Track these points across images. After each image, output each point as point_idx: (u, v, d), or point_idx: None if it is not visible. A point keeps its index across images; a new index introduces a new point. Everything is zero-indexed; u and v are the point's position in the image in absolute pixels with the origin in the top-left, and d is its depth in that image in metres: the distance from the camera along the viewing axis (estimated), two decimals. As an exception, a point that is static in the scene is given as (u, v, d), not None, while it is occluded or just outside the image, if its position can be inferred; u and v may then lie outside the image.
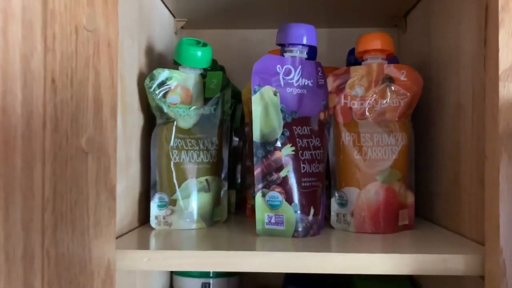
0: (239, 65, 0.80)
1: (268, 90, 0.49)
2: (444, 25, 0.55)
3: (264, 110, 0.49)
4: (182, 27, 0.77)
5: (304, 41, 0.50)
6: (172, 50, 0.70)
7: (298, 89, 0.51)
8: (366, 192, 0.52)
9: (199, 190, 0.54)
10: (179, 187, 0.53)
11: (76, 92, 0.33)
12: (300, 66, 0.51)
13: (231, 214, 0.65)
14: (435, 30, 0.59)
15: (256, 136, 0.49)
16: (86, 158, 0.34)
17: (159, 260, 0.41)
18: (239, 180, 0.70)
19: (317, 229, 0.50)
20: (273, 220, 0.49)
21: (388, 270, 0.40)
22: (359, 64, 0.56)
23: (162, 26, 0.67)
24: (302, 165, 0.49)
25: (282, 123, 0.49)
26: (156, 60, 0.62)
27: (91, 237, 0.35)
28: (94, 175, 0.35)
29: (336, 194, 0.54)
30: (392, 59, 0.59)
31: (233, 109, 0.67)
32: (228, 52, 0.81)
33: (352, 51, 0.64)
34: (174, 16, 0.75)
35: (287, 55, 0.51)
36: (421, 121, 0.62)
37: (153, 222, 0.53)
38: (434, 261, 0.41)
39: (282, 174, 0.49)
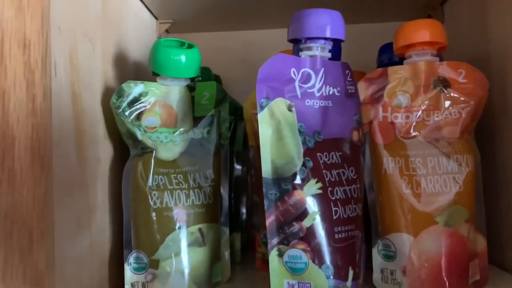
0: (239, 75, 0.65)
1: (280, 104, 0.35)
2: (506, 6, 0.41)
3: (275, 133, 0.35)
4: (167, 31, 0.63)
5: (328, 33, 0.35)
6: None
7: (321, 101, 0.36)
8: (423, 240, 0.37)
9: (191, 245, 0.39)
10: (162, 242, 0.39)
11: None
12: (323, 69, 0.36)
13: (236, 265, 0.50)
14: (491, 15, 0.45)
15: (267, 170, 0.35)
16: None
17: None
18: (244, 217, 0.55)
19: (359, 298, 0.35)
20: (295, 290, 0.34)
21: None
22: (396, 64, 0.41)
23: (138, 29, 0.53)
24: (333, 209, 0.34)
25: (302, 150, 0.35)
26: (132, 71, 0.48)
27: None
28: (0, 263, 0.20)
29: (380, 243, 0.39)
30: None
31: (233, 129, 0.53)
32: (225, 59, 0.67)
33: (384, 49, 0.50)
34: (156, 18, 0.61)
35: (304, 54, 0.36)
36: (483, 137, 0.47)
37: (128, 292, 0.39)
38: None
39: (306, 223, 0.34)
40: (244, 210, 0.55)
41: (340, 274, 0.34)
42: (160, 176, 0.40)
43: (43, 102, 0.23)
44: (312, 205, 0.34)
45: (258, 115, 0.34)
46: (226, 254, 0.43)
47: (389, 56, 0.47)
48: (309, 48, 0.36)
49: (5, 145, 0.21)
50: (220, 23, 0.64)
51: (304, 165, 0.35)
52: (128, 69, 0.47)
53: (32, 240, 0.22)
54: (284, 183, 0.34)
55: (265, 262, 0.48)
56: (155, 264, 0.39)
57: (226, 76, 0.64)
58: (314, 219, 0.34)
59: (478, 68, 0.40)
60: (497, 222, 0.45)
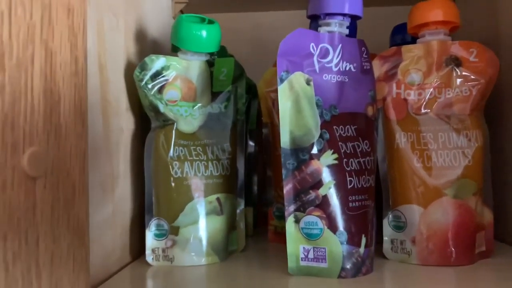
0: (252, 55, 0.67)
1: (299, 78, 0.36)
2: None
3: (294, 105, 0.36)
4: (181, 11, 0.64)
5: (346, 9, 0.37)
6: (170, 38, 0.58)
7: (338, 76, 0.38)
8: (432, 211, 0.39)
9: (209, 213, 0.41)
10: (182, 210, 0.40)
11: (10, 80, 0.20)
12: (341, 45, 0.38)
13: (248, 237, 0.52)
14: (504, -2, 0.46)
15: (285, 140, 0.36)
16: (33, 185, 0.21)
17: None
18: (255, 193, 0.57)
19: (370, 264, 0.37)
20: (311, 255, 0.36)
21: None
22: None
23: (156, 9, 0.54)
24: (348, 179, 0.36)
25: (319, 122, 0.36)
26: (150, 48, 0.50)
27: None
28: (47, 211, 0.22)
29: (390, 214, 0.41)
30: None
31: (247, 107, 0.54)
32: (239, 40, 0.68)
33: (397, 30, 0.51)
34: (171, -2, 0.62)
35: (323, 29, 0.38)
36: (490, 116, 0.48)
37: (149, 256, 0.40)
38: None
39: (322, 191, 0.36)
40: (255, 188, 0.57)
41: (353, 240, 0.35)
42: (180, 148, 0.41)
43: (84, 63, 0.24)
44: (328, 174, 0.36)
45: (278, 87, 0.36)
46: (242, 224, 0.45)
47: (402, 37, 0.49)
48: (328, 24, 0.37)
49: (52, 101, 0.23)
50: (232, 4, 0.66)
51: (321, 136, 0.36)
52: (147, 46, 0.48)
53: (74, 192, 0.24)
54: (302, 153, 0.36)
55: (277, 234, 0.50)
56: (175, 230, 0.40)
57: (238, 56, 0.65)
58: (329, 187, 0.36)
59: (490, 48, 0.41)
60: (503, 198, 0.46)
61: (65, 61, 0.23)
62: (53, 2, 0.22)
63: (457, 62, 0.40)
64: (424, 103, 0.41)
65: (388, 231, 0.41)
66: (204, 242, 0.41)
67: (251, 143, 0.55)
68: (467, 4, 0.56)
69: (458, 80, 0.40)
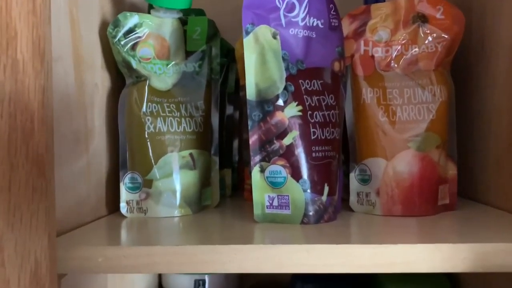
0: (233, 22, 0.67)
1: (264, 31, 0.37)
2: None
3: (260, 58, 0.37)
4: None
5: (312, -36, 0.38)
6: None
7: (305, 31, 0.39)
8: (396, 163, 0.40)
9: (182, 167, 0.43)
10: (155, 163, 0.42)
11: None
12: (307, 0, 0.39)
13: (226, 198, 0.53)
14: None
15: (251, 92, 0.37)
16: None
17: (119, 260, 0.30)
18: (236, 158, 0.58)
19: (333, 212, 0.38)
20: (275, 202, 0.37)
21: (437, 267, 0.29)
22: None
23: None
24: (312, 130, 0.37)
25: (284, 75, 0.37)
26: (128, 7, 0.50)
27: (1, 228, 0.23)
28: (4, 139, 0.23)
29: (357, 168, 0.42)
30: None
31: (226, 71, 0.55)
32: (220, 6, 0.69)
33: (370, -9, 0.51)
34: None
35: (289, -16, 0.38)
36: (460, 73, 0.49)
37: (123, 208, 0.42)
38: (498, 252, 0.29)
39: (286, 141, 0.37)
40: (236, 152, 0.58)
41: (316, 188, 0.37)
42: (153, 104, 0.42)
43: (42, 3, 0.25)
44: (292, 125, 0.37)
45: (244, 40, 0.37)
46: (216, 181, 0.47)
47: (376, -2, 0.49)
48: (294, -21, 0.38)
49: (8, 36, 0.24)
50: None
51: (286, 88, 0.37)
52: (124, 7, 0.49)
53: (33, 124, 0.25)
54: (267, 104, 0.37)
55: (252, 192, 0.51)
56: (148, 183, 0.42)
57: (219, 23, 0.66)
58: (293, 138, 0.37)
59: (458, 6, 0.42)
60: (470, 153, 0.48)
61: (21, -2, 0.24)
62: None
63: (423, 19, 0.41)
64: (391, 60, 0.41)
65: (354, 185, 0.42)
66: (177, 194, 0.42)
67: (230, 106, 0.56)
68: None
69: (424, 37, 0.41)
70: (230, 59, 0.55)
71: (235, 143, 0.58)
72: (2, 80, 0.23)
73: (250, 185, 0.51)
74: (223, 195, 0.53)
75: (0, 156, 0.23)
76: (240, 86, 0.53)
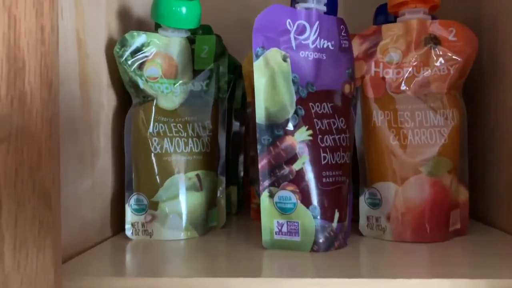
0: (240, 36, 0.67)
1: (275, 54, 0.37)
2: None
3: (270, 81, 0.37)
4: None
5: (323, -13, 0.37)
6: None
7: (316, 53, 0.38)
8: (407, 188, 0.39)
9: (188, 189, 0.42)
10: (161, 185, 0.41)
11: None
12: (318, 22, 0.38)
13: (232, 215, 0.52)
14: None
15: (260, 116, 0.37)
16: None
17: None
18: (241, 174, 0.58)
19: (343, 239, 0.37)
20: (284, 229, 0.36)
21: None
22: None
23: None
24: (322, 155, 0.37)
25: (294, 99, 0.37)
26: (134, 25, 0.50)
27: (8, 267, 0.23)
28: (11, 175, 0.23)
29: (366, 192, 0.41)
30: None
31: (233, 87, 0.55)
32: (227, 21, 0.68)
33: (380, 10, 0.51)
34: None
35: (300, 6, 0.38)
36: (471, 95, 0.49)
37: (128, 231, 0.41)
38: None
39: (296, 167, 0.36)
40: (241, 168, 0.57)
41: (326, 214, 0.36)
42: (160, 124, 0.42)
43: (51, 33, 0.25)
44: (302, 150, 0.36)
45: (254, 63, 0.36)
46: (222, 201, 0.46)
47: (385, 17, 0.49)
48: (305, 1, 0.38)
49: (16, 67, 0.23)
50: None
51: (296, 112, 0.36)
52: (131, 24, 0.48)
53: (40, 157, 0.24)
54: (276, 129, 0.36)
55: (259, 212, 0.50)
56: (154, 205, 0.41)
57: (226, 37, 0.65)
58: (303, 163, 0.36)
59: (469, 28, 0.41)
60: (480, 177, 0.47)
61: (30, 28, 0.24)
62: (17, -30, 0.23)
63: (435, 41, 0.41)
64: (402, 82, 0.41)
65: (364, 208, 0.41)
66: (183, 217, 0.41)
67: (236, 123, 0.56)
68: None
69: (436, 59, 0.40)
70: (237, 75, 0.54)
71: (241, 158, 0.58)
72: (9, 112, 0.23)
73: (257, 204, 0.51)
74: (229, 213, 0.52)
75: (7, 192, 0.22)
76: (246, 102, 0.53)
